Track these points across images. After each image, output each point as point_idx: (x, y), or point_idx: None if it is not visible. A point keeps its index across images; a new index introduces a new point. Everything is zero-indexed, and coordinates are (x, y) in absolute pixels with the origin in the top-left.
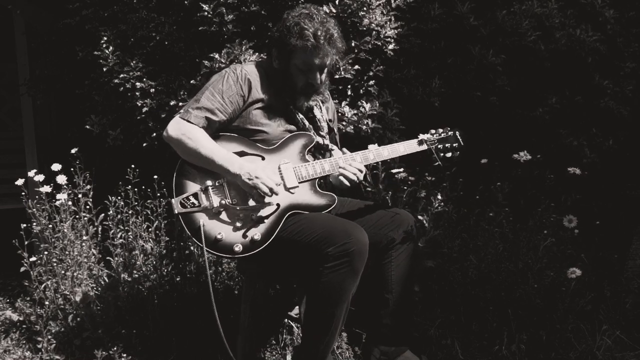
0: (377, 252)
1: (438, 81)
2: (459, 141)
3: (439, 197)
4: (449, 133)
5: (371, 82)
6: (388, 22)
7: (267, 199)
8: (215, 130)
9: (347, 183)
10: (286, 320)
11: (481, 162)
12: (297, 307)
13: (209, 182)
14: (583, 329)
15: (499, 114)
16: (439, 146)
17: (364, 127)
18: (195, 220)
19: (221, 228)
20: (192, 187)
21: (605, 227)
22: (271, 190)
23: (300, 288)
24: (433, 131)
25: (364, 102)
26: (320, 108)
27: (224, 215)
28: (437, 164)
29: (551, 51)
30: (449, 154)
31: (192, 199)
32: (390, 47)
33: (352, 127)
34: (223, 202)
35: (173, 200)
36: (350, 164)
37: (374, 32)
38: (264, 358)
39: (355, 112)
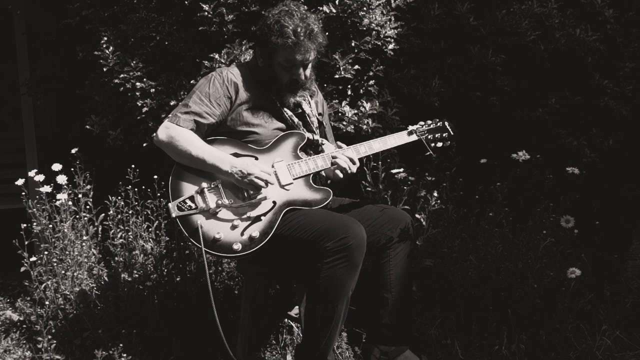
0: (375, 251)
1: (438, 81)
2: (448, 131)
3: (435, 194)
4: (438, 123)
5: (371, 82)
6: (388, 22)
7: (262, 196)
8: (205, 133)
9: (340, 175)
10: (286, 320)
11: (481, 162)
12: (297, 307)
13: (204, 184)
14: (583, 329)
15: (498, 114)
16: (429, 136)
17: (365, 126)
18: (193, 222)
19: (219, 228)
20: (188, 190)
21: (605, 227)
22: (266, 182)
23: (300, 288)
24: (422, 122)
25: (364, 101)
26: (309, 103)
27: (221, 216)
28: (428, 153)
29: (551, 51)
30: (440, 144)
31: (189, 202)
32: (390, 47)
33: (353, 127)
34: (219, 202)
35: (170, 205)
36: (342, 153)
37: (374, 32)
38: (264, 358)
39: (356, 111)
